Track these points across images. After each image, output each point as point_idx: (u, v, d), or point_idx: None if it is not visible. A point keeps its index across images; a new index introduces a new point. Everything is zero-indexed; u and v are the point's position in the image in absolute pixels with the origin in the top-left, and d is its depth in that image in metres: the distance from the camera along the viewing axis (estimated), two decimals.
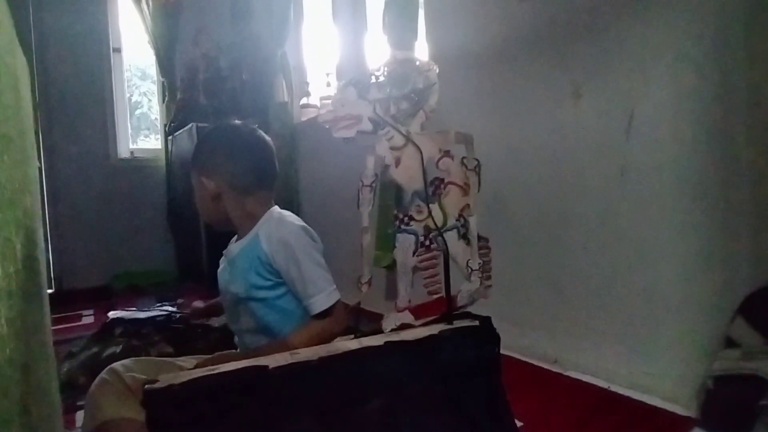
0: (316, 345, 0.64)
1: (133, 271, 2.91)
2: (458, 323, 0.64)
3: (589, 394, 1.14)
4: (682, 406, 1.00)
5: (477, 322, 0.64)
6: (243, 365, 0.53)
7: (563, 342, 1.28)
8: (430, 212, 0.62)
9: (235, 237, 0.99)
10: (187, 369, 0.82)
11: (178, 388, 0.49)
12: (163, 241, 3.07)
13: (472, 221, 0.65)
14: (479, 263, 0.66)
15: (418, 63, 0.61)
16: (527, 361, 1.34)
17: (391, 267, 1.76)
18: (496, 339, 0.63)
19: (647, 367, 1.08)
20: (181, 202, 2.88)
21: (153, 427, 0.49)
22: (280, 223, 0.89)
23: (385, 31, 1.67)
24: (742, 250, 0.94)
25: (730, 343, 0.95)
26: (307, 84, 2.59)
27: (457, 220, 0.65)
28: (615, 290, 1.15)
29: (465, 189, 0.64)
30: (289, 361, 0.54)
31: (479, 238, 0.67)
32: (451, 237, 0.64)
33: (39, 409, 0.46)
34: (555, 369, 1.27)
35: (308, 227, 0.90)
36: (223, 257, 0.97)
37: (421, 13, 1.66)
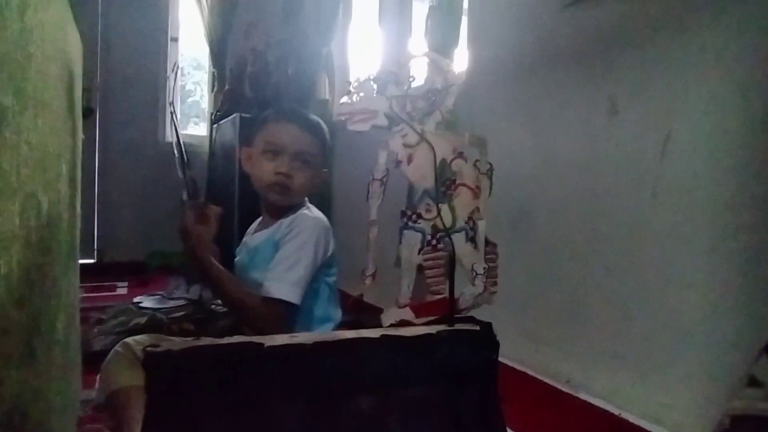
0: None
1: (167, 251, 3.03)
2: (458, 326, 0.64)
3: (599, 419, 1.10)
4: None
5: (477, 327, 0.63)
6: (240, 340, 0.55)
7: (578, 363, 1.25)
8: (439, 212, 0.63)
9: (257, 225, 1.02)
10: None
11: (176, 353, 0.52)
12: None
13: (481, 225, 0.65)
14: (485, 268, 0.66)
15: (438, 63, 0.62)
16: (539, 378, 1.31)
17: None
18: (495, 346, 0.63)
19: (662, 397, 1.04)
20: (219, 188, 2.98)
21: (150, 387, 0.52)
22: (306, 215, 0.94)
23: (427, 37, 1.68)
24: None
25: (752, 381, 0.90)
26: (349, 83, 2.63)
27: (465, 223, 0.65)
28: (636, 315, 1.11)
29: (476, 192, 0.64)
30: (285, 342, 0.56)
31: (487, 242, 0.66)
32: (458, 239, 0.64)
33: (49, 356, 0.50)
34: (566, 389, 1.23)
35: (329, 228, 0.94)
36: (242, 245, 1.00)
37: (464, 21, 1.66)
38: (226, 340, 0.54)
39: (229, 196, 2.68)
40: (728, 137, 0.95)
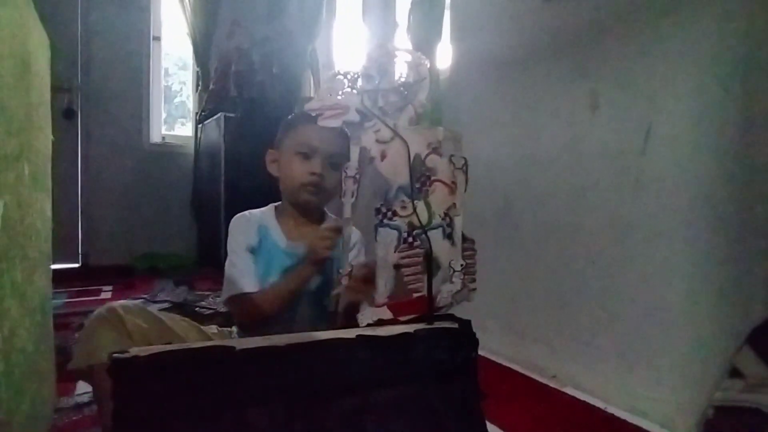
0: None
1: (155, 253, 3.00)
2: (438, 324, 0.63)
3: (585, 414, 1.10)
4: None
5: (457, 325, 0.62)
6: (210, 344, 0.53)
7: (564, 357, 1.24)
8: (414, 208, 0.61)
9: (286, 232, 1.00)
10: (185, 335, 0.87)
11: (143, 359, 0.50)
12: (186, 226, 3.15)
13: (458, 221, 0.64)
14: (462, 264, 0.65)
15: (408, 56, 0.61)
16: (525, 374, 1.31)
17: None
18: (474, 343, 0.62)
19: (647, 390, 1.04)
20: (205, 189, 2.95)
21: (116, 394, 0.50)
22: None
23: (409, 32, 1.66)
24: (758, 276, 0.90)
25: (734, 373, 0.90)
26: None
27: (442, 219, 0.63)
28: (620, 308, 1.11)
29: (452, 187, 0.63)
30: (257, 345, 0.54)
31: (464, 239, 0.65)
32: (435, 236, 0.63)
33: (8, 363, 0.48)
34: (553, 384, 1.23)
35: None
36: (273, 251, 0.99)
37: (447, 15, 1.65)
38: (197, 344, 0.53)
39: (215, 196, 2.65)
40: (709, 130, 0.95)
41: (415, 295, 0.64)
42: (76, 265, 2.86)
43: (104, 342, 0.76)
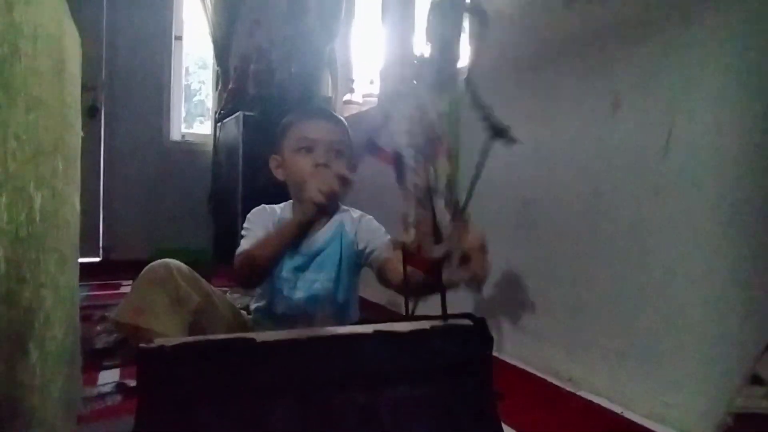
0: None
1: (173, 249, 3.05)
2: (453, 321, 0.63)
3: (601, 418, 1.09)
4: None
5: (471, 323, 0.63)
6: (232, 336, 0.55)
7: (580, 361, 1.24)
8: (428, 172, 0.62)
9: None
10: (225, 314, 0.92)
11: (169, 349, 0.52)
12: (204, 222, 3.20)
13: (454, 191, 0.63)
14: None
15: None
16: (540, 376, 1.30)
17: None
18: (488, 341, 0.62)
19: (665, 395, 1.03)
20: (224, 186, 3.00)
21: (142, 383, 0.52)
22: (356, 214, 1.07)
23: (429, 33, 1.67)
24: None
25: (755, 380, 0.89)
26: (352, 81, 2.63)
27: (445, 187, 0.63)
28: (638, 313, 1.10)
29: (451, 155, 0.63)
30: (278, 337, 0.55)
31: (459, 211, 0.64)
32: (438, 202, 0.63)
33: (43, 352, 0.50)
34: (568, 388, 1.23)
35: None
36: (290, 256, 0.99)
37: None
38: (219, 336, 0.54)
39: (234, 194, 2.69)
40: (731, 132, 0.94)
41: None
42: (97, 260, 2.92)
43: (157, 308, 0.79)
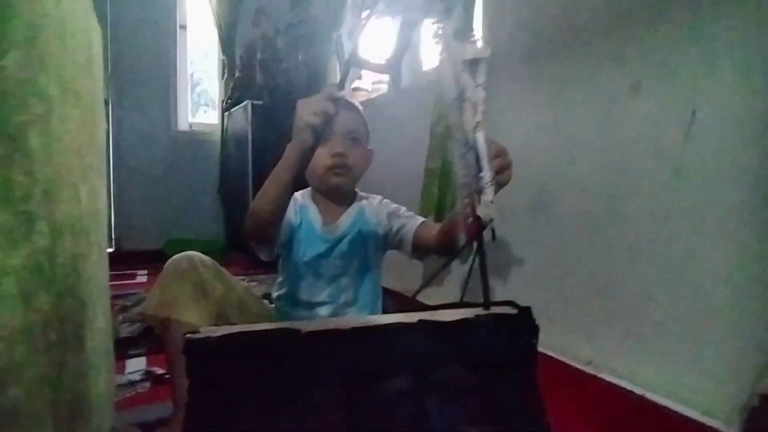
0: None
1: (185, 239, 3.06)
2: (496, 309, 0.63)
3: (623, 400, 1.11)
4: (723, 422, 0.96)
5: (516, 311, 0.63)
6: (277, 326, 0.55)
7: (600, 344, 1.24)
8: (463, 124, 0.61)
9: (318, 216, 1.02)
10: (250, 305, 0.93)
11: (215, 340, 0.53)
12: (214, 212, 3.21)
13: (480, 137, 0.62)
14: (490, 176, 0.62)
15: None
16: (560, 360, 1.31)
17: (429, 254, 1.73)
18: (534, 330, 0.62)
19: (688, 377, 1.04)
20: (233, 175, 3.00)
21: (191, 374, 0.52)
22: (375, 199, 1.07)
23: (442, 18, 1.64)
24: None
25: None
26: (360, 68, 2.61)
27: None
28: (659, 294, 1.10)
29: (475, 107, 0.62)
30: (322, 327, 0.56)
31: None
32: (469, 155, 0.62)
33: (93, 342, 0.50)
34: (589, 370, 1.24)
35: None
36: (303, 239, 1.00)
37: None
38: (264, 326, 0.55)
39: (243, 183, 2.69)
40: (755, 114, 0.93)
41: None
42: (110, 250, 2.94)
43: (183, 300, 0.81)
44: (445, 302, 0.64)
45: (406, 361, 0.57)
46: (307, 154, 0.80)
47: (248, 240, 0.91)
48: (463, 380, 0.58)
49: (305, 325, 0.55)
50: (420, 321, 0.58)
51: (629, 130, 1.17)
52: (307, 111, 0.77)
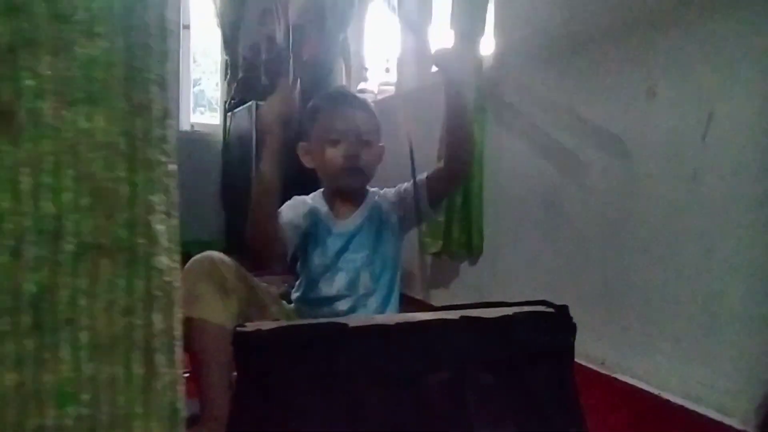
0: None
1: (185, 240, 3.04)
2: (533, 308, 0.65)
3: (638, 399, 1.12)
4: (739, 421, 0.97)
5: (552, 310, 0.64)
6: (325, 321, 0.56)
7: (613, 344, 1.26)
8: None
9: (331, 214, 1.03)
10: (269, 305, 0.93)
11: (265, 333, 0.53)
12: (215, 214, 3.19)
13: None
14: None
15: None
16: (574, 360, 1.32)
17: (439, 254, 1.76)
18: (572, 328, 0.64)
19: (703, 377, 1.05)
20: (235, 177, 2.98)
21: (240, 366, 0.53)
22: (379, 193, 1.08)
23: (453, 21, 1.66)
24: None
25: None
26: (366, 69, 2.62)
27: None
28: (674, 295, 1.12)
29: None
30: (368, 323, 0.57)
31: None
32: None
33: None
34: (602, 371, 1.25)
35: None
36: (319, 235, 1.01)
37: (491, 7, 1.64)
38: (312, 321, 0.55)
39: (246, 184, 2.68)
40: None
41: None
42: None
43: (206, 298, 0.82)
44: (486, 300, 0.65)
45: (449, 356, 0.58)
46: (279, 154, 0.86)
47: (256, 256, 0.94)
48: (503, 375, 0.59)
49: (351, 321, 0.56)
50: (462, 317, 0.59)
51: (645, 133, 1.19)
52: (265, 115, 0.82)
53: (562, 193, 1.41)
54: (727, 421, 0.99)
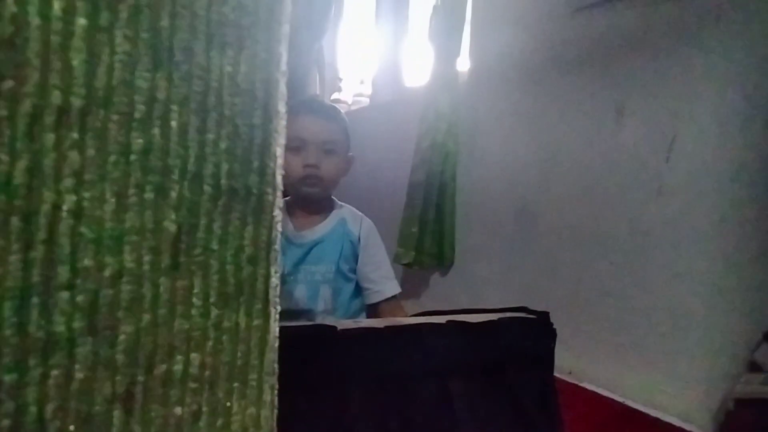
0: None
1: None
2: (515, 314, 0.66)
3: (604, 407, 1.15)
4: (700, 428, 1.02)
5: (534, 316, 0.66)
6: (314, 324, 0.55)
7: (580, 354, 1.29)
8: None
9: (293, 222, 1.01)
10: None
11: None
12: None
13: None
14: None
15: None
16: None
17: (411, 265, 1.76)
18: (552, 334, 0.65)
19: (666, 385, 1.10)
20: None
21: None
22: (363, 217, 1.07)
23: (430, 37, 1.70)
24: None
25: (753, 367, 0.97)
26: (340, 80, 2.63)
27: None
28: (638, 306, 1.17)
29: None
30: (357, 326, 0.56)
31: None
32: None
33: None
34: (570, 380, 1.28)
35: None
36: (282, 245, 1.00)
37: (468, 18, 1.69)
38: (301, 323, 0.54)
39: None
40: (733, 141, 1.02)
41: None
42: None
43: None
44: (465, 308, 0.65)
45: (436, 358, 0.58)
46: None
47: None
48: (488, 379, 0.60)
49: (340, 324, 0.55)
50: (449, 322, 0.60)
51: (612, 152, 1.24)
52: None
53: (532, 206, 1.45)
54: (688, 427, 1.03)
